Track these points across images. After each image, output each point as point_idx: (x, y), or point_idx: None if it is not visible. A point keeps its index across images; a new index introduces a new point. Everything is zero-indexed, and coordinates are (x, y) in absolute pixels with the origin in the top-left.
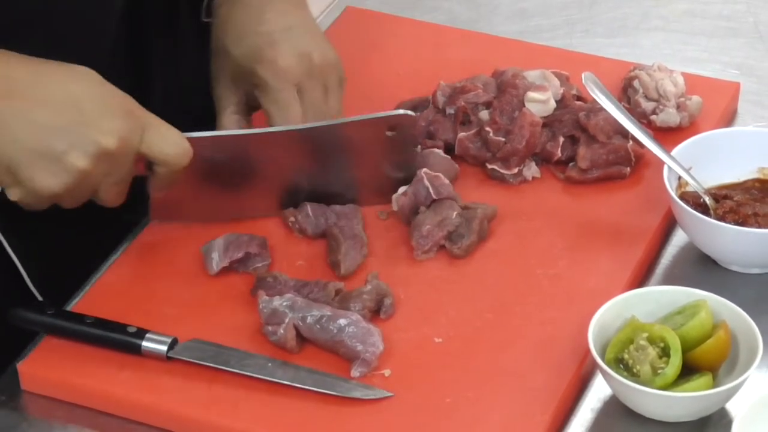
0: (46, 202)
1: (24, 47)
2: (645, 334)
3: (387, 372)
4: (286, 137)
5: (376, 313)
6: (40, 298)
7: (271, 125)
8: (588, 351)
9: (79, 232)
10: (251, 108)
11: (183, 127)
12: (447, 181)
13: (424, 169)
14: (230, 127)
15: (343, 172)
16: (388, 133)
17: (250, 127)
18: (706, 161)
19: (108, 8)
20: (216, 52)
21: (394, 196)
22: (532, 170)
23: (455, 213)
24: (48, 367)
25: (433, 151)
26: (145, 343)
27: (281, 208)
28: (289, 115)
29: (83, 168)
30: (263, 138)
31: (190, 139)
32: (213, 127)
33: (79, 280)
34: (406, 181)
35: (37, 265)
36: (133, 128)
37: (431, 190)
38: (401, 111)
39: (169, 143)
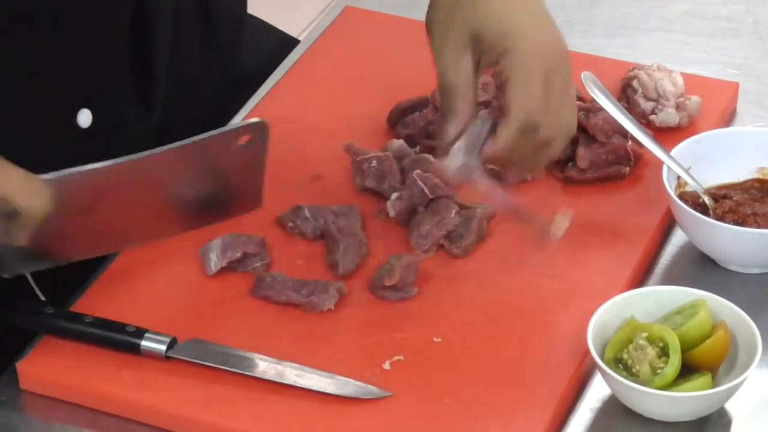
0: None
1: (25, 47)
2: (644, 334)
3: (387, 365)
4: (140, 165)
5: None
6: (42, 298)
7: (511, 101)
8: (587, 351)
9: None
10: (479, 67)
11: (189, 132)
12: (438, 180)
13: (416, 171)
14: (464, 81)
15: (208, 188)
16: (241, 144)
17: (476, 86)
18: (706, 161)
19: (111, 21)
20: (446, 6)
21: (389, 202)
22: None
23: (453, 212)
24: (47, 367)
25: (423, 156)
26: (144, 343)
27: (148, 236)
28: (533, 94)
29: None
30: (119, 168)
31: (48, 182)
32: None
33: (80, 279)
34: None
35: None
36: None
37: (426, 190)
38: (253, 120)
39: (26, 193)
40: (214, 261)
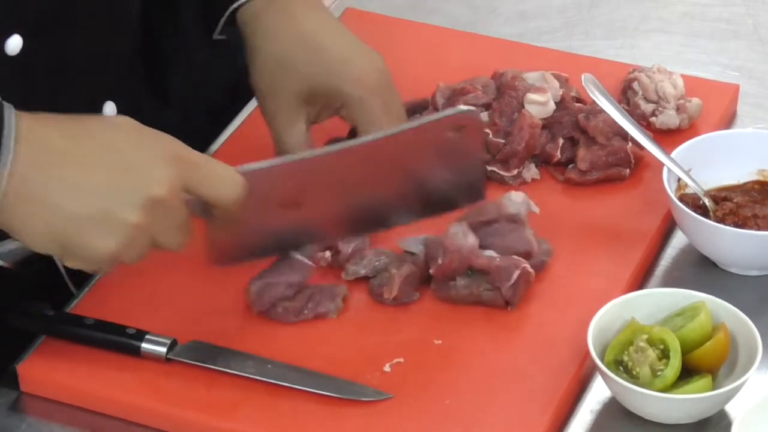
0: (107, 265)
1: (51, 53)
2: (644, 336)
3: (387, 367)
4: (344, 155)
5: None
6: (74, 291)
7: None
8: (587, 352)
9: None
10: (313, 123)
11: (200, 124)
12: None
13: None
14: (299, 142)
15: (407, 184)
16: (450, 135)
17: (311, 143)
18: (706, 163)
19: (125, 15)
20: (270, 69)
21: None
22: (531, 172)
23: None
24: (47, 369)
25: None
26: (144, 345)
27: (347, 233)
28: (385, 128)
29: (136, 222)
30: (320, 161)
31: (244, 173)
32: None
33: (80, 281)
34: (471, 187)
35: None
36: (181, 172)
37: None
38: (464, 108)
39: (220, 181)
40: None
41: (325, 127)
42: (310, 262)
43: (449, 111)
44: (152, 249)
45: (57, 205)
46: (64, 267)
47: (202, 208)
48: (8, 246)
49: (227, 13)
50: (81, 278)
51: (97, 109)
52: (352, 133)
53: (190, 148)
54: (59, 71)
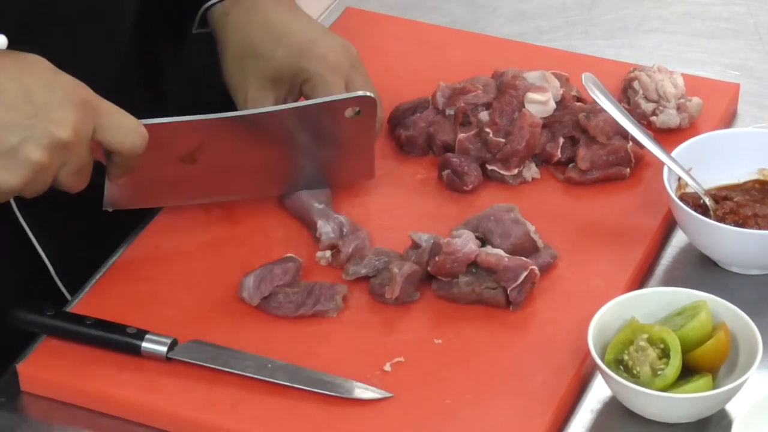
0: (6, 197)
1: (44, 42)
2: (645, 335)
3: (387, 366)
4: (247, 121)
5: None
6: (69, 298)
7: None
8: (588, 352)
9: (105, 232)
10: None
11: None
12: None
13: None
14: None
15: (308, 155)
16: (348, 114)
17: None
18: (706, 162)
19: (120, 15)
20: (240, 58)
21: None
22: (531, 171)
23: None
24: (48, 369)
25: None
26: (144, 344)
27: (237, 193)
28: None
29: (39, 160)
30: (224, 123)
31: (148, 126)
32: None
33: (82, 280)
34: (362, 164)
35: (63, 264)
36: (87, 117)
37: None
38: (361, 93)
39: (124, 131)
40: (249, 296)
41: None
42: (299, 259)
43: (348, 94)
44: (52, 187)
45: None
46: (57, 274)
47: (105, 154)
48: None
49: (200, 13)
50: (75, 285)
51: None
52: None
53: (100, 97)
54: None
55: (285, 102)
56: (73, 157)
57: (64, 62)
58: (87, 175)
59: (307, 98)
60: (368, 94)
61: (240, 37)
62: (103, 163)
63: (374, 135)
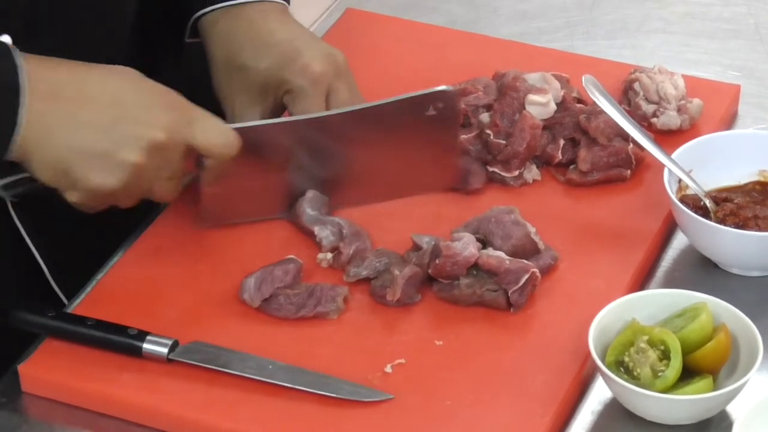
0: (104, 202)
1: (40, 54)
2: (645, 337)
3: (388, 368)
4: (331, 121)
5: None
6: (65, 301)
7: None
8: (588, 353)
9: (101, 235)
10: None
11: None
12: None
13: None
14: None
15: (389, 157)
16: (429, 113)
17: None
18: (707, 164)
19: (120, 16)
20: (226, 70)
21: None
22: (532, 173)
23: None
24: (49, 369)
25: None
26: (145, 345)
27: (331, 200)
28: None
29: (136, 162)
30: (307, 124)
31: (236, 129)
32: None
33: (83, 281)
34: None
35: (58, 267)
36: (180, 120)
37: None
38: (442, 87)
39: (216, 133)
40: (249, 298)
41: None
42: (300, 261)
43: (428, 90)
44: (145, 196)
45: (66, 138)
46: (52, 276)
47: (197, 161)
48: (10, 179)
49: (190, 23)
50: (70, 287)
51: None
52: None
53: (188, 101)
54: None
55: (273, 115)
56: (167, 160)
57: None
58: (179, 183)
59: (288, 110)
60: (447, 88)
61: (226, 48)
62: (195, 173)
63: (458, 135)
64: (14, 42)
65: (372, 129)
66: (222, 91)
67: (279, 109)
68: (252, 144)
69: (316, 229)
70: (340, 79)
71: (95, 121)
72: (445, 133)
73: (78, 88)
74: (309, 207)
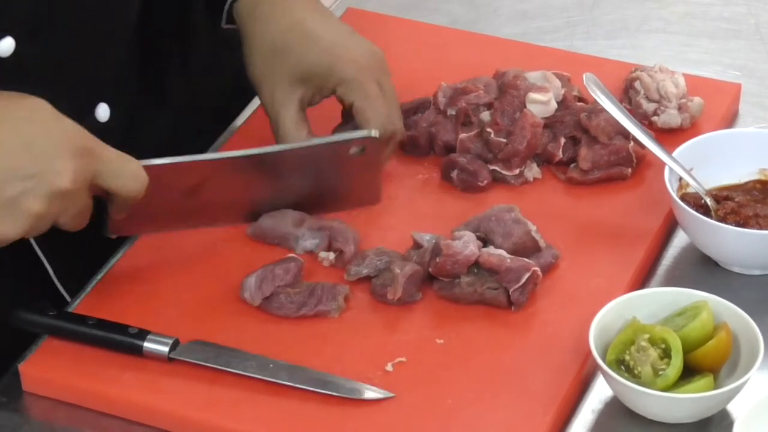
0: (6, 243)
1: (43, 55)
2: (646, 336)
3: (389, 366)
4: (248, 162)
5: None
6: (68, 298)
7: (363, 119)
8: (589, 352)
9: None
10: (309, 105)
11: (199, 124)
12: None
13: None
14: (294, 124)
15: (308, 189)
16: (352, 152)
17: (307, 125)
18: (708, 162)
19: (123, 17)
20: (268, 53)
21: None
22: (533, 171)
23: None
24: (49, 369)
25: None
26: (146, 344)
27: (244, 220)
28: (379, 107)
29: (38, 211)
30: (224, 163)
31: (148, 168)
32: (230, 118)
33: (83, 280)
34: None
35: (62, 265)
36: (86, 165)
37: None
38: (365, 133)
39: (123, 177)
40: (250, 296)
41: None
42: (301, 259)
43: (352, 134)
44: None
45: None
46: (56, 276)
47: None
48: None
49: (227, 6)
50: (74, 286)
51: (90, 111)
52: (346, 114)
53: (98, 140)
54: (51, 73)
55: (311, 102)
56: (72, 203)
57: (68, 63)
58: (87, 216)
59: (341, 101)
60: (372, 134)
61: (266, 33)
62: (103, 198)
63: (380, 167)
64: (17, 42)
65: (290, 168)
66: (259, 73)
67: (317, 98)
68: (162, 177)
69: (297, 247)
70: (384, 75)
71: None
72: (367, 168)
73: None
74: (283, 226)
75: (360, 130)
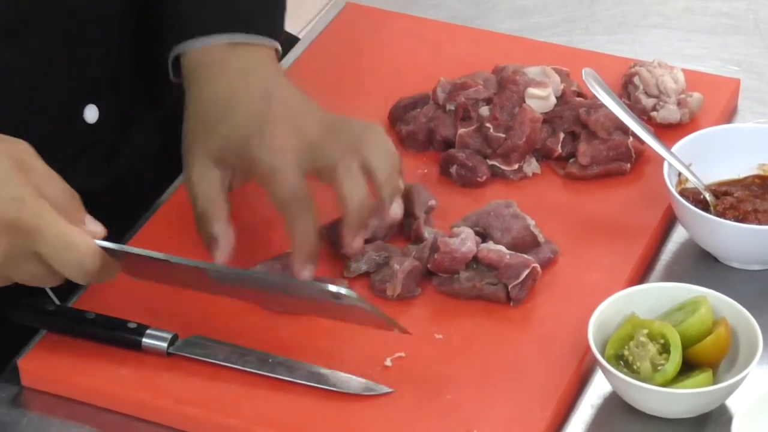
0: None
1: (25, 56)
2: (645, 331)
3: (388, 361)
4: (223, 278)
5: None
6: (55, 300)
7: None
8: (588, 347)
9: None
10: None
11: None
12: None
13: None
14: (209, 199)
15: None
16: (335, 302)
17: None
18: (707, 158)
19: (105, 16)
20: (191, 125)
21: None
22: (532, 166)
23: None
24: (48, 364)
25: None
26: (145, 340)
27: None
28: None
29: None
30: (183, 269)
31: (109, 250)
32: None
33: None
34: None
35: None
36: (22, 244)
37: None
38: (342, 290)
39: (66, 262)
40: None
41: None
42: None
43: (327, 288)
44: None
45: None
46: None
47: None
48: None
49: (170, 61)
50: (63, 289)
51: (78, 112)
52: None
53: (52, 214)
54: (36, 75)
55: (231, 187)
56: (15, 272)
57: (48, 65)
58: (49, 280)
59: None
60: (342, 291)
61: (196, 103)
62: None
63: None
64: (8, 32)
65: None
66: (185, 142)
67: (237, 182)
68: (124, 263)
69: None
70: (311, 157)
71: None
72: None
73: None
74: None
75: (327, 285)
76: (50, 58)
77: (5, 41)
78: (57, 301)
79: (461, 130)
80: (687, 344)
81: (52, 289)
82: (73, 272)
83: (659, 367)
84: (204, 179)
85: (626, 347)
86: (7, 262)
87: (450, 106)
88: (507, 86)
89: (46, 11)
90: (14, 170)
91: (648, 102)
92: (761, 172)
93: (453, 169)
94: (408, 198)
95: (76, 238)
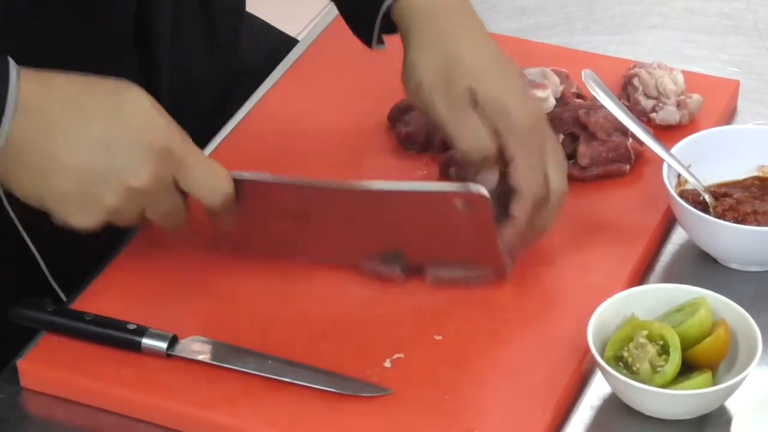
0: (85, 231)
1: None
2: (644, 332)
3: (387, 363)
4: (350, 195)
5: None
6: (63, 297)
7: (516, 179)
8: (587, 349)
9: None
10: None
11: (194, 125)
12: None
13: None
14: (478, 138)
15: (416, 237)
16: (458, 205)
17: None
18: (706, 159)
19: (110, 13)
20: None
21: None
22: None
23: None
24: (48, 365)
25: None
26: (145, 341)
27: (337, 259)
28: (535, 168)
29: (112, 205)
30: (321, 192)
31: (238, 180)
32: (224, 119)
33: (82, 276)
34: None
35: (56, 262)
36: (166, 168)
37: None
38: (472, 188)
39: (203, 185)
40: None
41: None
42: None
43: (455, 186)
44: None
45: (42, 176)
46: (50, 271)
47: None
48: None
49: (381, 12)
50: (69, 284)
51: None
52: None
53: (189, 144)
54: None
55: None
56: (155, 201)
57: (47, 61)
58: (180, 216)
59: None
60: (481, 192)
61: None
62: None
63: (492, 233)
64: (9, 29)
65: (391, 208)
66: (430, 79)
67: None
68: (254, 195)
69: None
70: (548, 132)
71: (74, 161)
72: (478, 233)
73: (67, 123)
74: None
75: (466, 184)
76: (53, 56)
77: (3, 34)
78: (64, 297)
79: None
80: (686, 345)
81: (58, 285)
82: (212, 197)
83: (659, 369)
84: (469, 119)
85: (626, 348)
86: (152, 190)
87: None
88: None
89: (44, 9)
90: (154, 104)
91: (647, 103)
92: (761, 174)
93: (452, 171)
94: None
95: (216, 165)
